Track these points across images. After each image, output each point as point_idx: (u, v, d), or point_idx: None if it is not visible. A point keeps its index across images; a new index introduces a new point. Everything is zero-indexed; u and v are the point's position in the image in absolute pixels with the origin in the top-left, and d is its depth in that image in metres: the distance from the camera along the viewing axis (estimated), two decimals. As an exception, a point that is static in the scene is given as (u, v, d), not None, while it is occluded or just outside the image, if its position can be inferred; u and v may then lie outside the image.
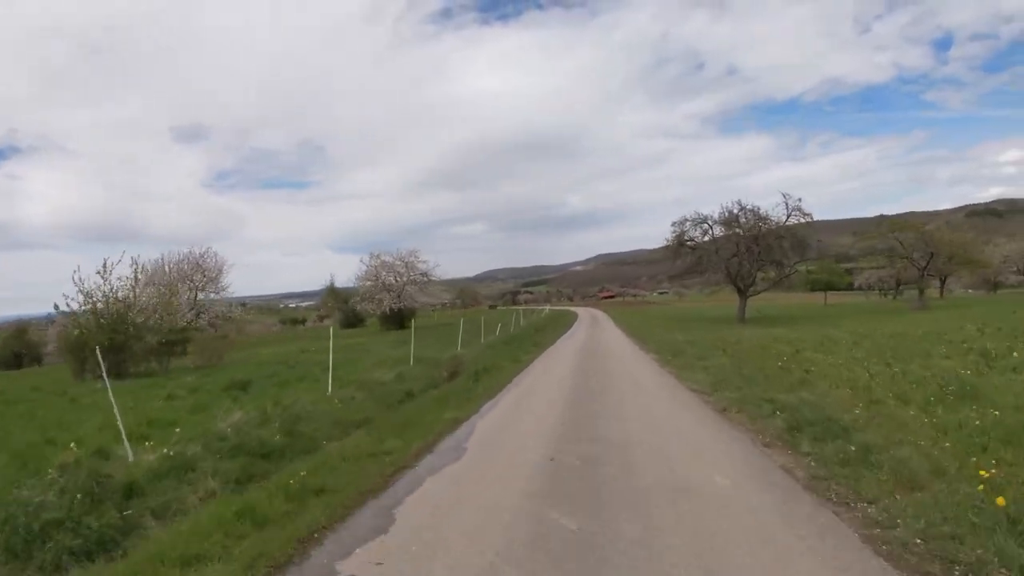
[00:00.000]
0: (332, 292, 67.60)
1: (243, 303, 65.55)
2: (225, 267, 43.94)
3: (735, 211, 35.30)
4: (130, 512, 4.69)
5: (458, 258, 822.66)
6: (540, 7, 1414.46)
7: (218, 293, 44.44)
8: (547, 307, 76.66)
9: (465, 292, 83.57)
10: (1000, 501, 3.67)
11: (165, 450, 6.00)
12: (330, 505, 4.81)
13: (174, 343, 23.55)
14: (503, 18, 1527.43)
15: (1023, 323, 18.85)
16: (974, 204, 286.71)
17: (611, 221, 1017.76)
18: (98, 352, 8.13)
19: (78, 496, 4.50)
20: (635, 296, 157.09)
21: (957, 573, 3.26)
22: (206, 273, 44.39)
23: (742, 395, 9.13)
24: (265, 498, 4.89)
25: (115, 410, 6.38)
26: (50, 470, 5.07)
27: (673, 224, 36.52)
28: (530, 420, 8.49)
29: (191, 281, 43.73)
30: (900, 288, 48.88)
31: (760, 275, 36.68)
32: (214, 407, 9.43)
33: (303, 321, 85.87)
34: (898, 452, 5.08)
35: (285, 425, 7.33)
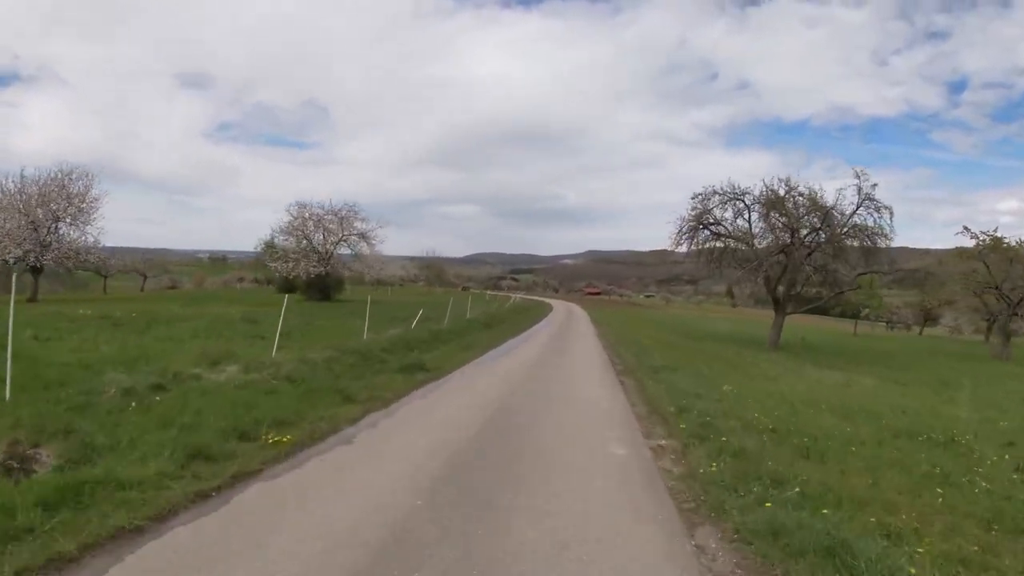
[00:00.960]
0: (270, 249, 56.47)
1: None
2: (97, 196, 33.14)
3: (780, 192, 25.14)
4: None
5: (449, 238, 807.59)
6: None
7: (82, 228, 33.67)
8: (516, 295, 66.18)
9: (432, 268, 72.73)
10: None
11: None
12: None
13: None
14: (525, 3, 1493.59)
15: None
16: (966, 247, 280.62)
17: (604, 219, 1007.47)
18: None
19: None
20: (621, 296, 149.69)
21: None
22: (71, 200, 33.51)
23: None
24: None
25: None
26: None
27: (693, 197, 26.31)
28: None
29: (49, 208, 32.89)
30: (991, 324, 38.73)
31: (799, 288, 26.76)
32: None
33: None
34: None
35: None
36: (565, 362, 15.27)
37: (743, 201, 25.62)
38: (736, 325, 49.74)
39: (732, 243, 26.27)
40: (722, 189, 25.72)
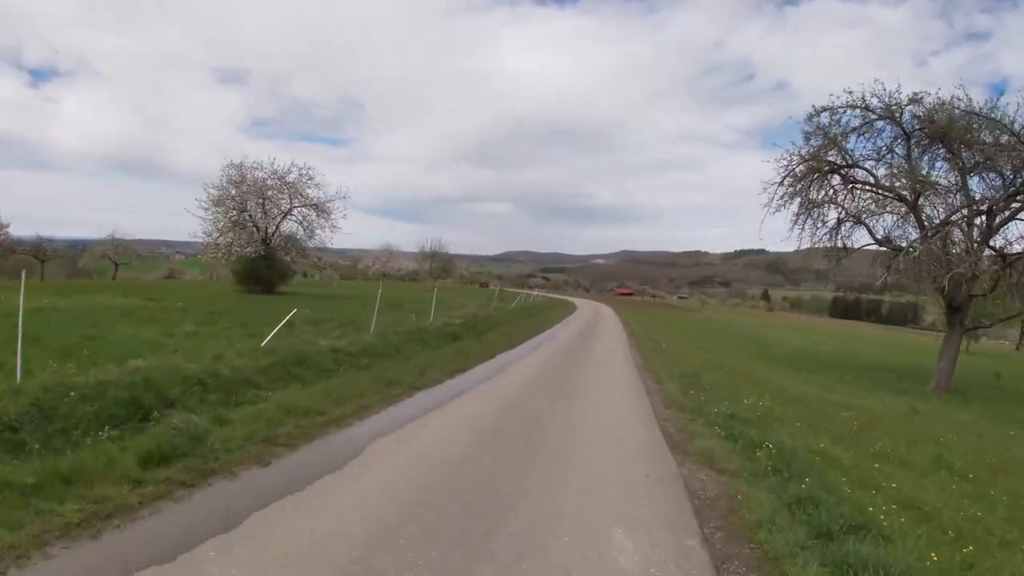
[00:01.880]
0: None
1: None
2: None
3: (957, 106, 13.84)
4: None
5: (480, 235, 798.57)
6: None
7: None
8: (536, 292, 55.09)
9: (437, 260, 62.07)
10: None
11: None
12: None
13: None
14: (560, 1, 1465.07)
15: None
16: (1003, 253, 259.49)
17: (637, 219, 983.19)
18: None
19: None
20: (654, 297, 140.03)
21: None
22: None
23: None
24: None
25: None
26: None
27: (815, 111, 15.10)
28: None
29: None
30: None
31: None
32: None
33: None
34: None
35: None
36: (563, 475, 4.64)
37: (898, 123, 14.23)
38: (820, 339, 37.84)
39: (886, 197, 14.84)
40: (852, 98, 14.43)
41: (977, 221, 14.25)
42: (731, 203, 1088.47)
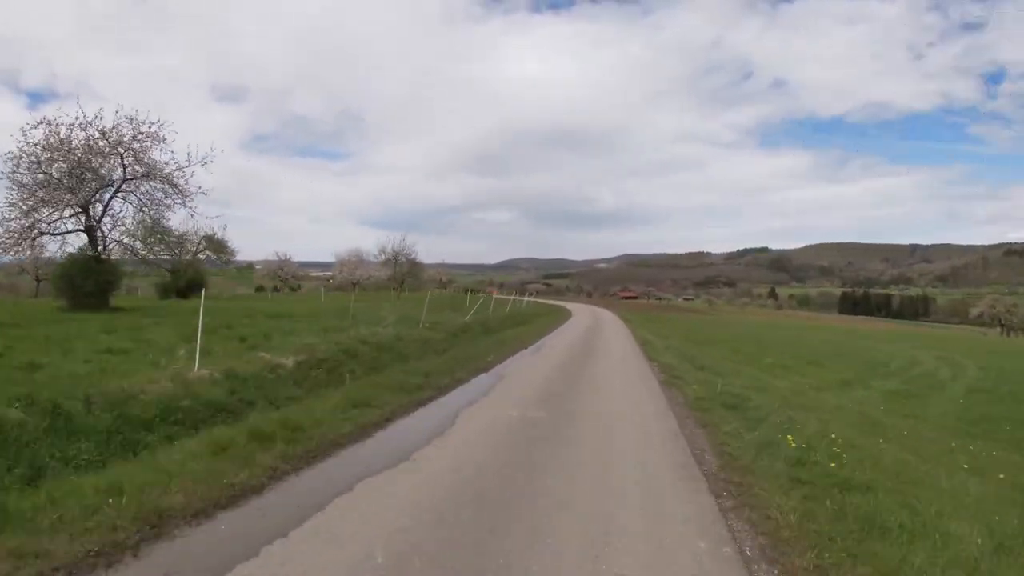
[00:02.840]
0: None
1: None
2: None
3: None
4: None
5: (482, 243, 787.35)
6: (594, 0, 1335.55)
7: None
8: (527, 297, 45.27)
9: (400, 267, 50.65)
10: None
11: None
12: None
13: None
14: (554, 7, 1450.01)
15: None
16: (1010, 243, 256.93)
17: (639, 222, 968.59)
18: None
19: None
20: (659, 299, 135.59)
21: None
22: None
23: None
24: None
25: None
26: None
27: None
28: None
29: None
30: None
31: None
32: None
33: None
34: None
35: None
36: None
37: None
38: (896, 347, 27.61)
39: None
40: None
41: None
42: (732, 202, 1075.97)
